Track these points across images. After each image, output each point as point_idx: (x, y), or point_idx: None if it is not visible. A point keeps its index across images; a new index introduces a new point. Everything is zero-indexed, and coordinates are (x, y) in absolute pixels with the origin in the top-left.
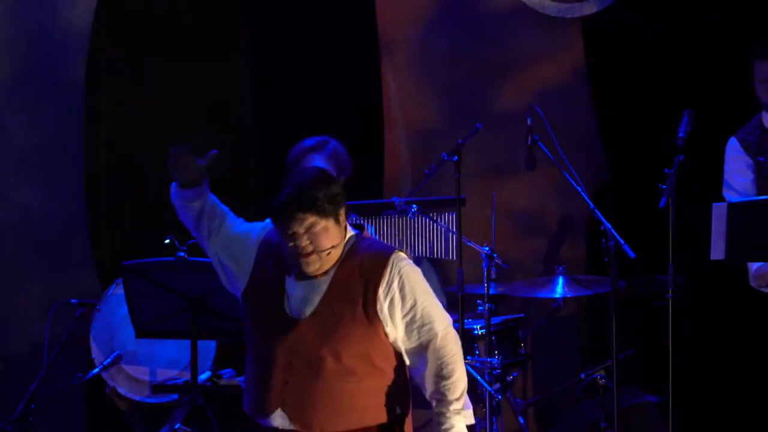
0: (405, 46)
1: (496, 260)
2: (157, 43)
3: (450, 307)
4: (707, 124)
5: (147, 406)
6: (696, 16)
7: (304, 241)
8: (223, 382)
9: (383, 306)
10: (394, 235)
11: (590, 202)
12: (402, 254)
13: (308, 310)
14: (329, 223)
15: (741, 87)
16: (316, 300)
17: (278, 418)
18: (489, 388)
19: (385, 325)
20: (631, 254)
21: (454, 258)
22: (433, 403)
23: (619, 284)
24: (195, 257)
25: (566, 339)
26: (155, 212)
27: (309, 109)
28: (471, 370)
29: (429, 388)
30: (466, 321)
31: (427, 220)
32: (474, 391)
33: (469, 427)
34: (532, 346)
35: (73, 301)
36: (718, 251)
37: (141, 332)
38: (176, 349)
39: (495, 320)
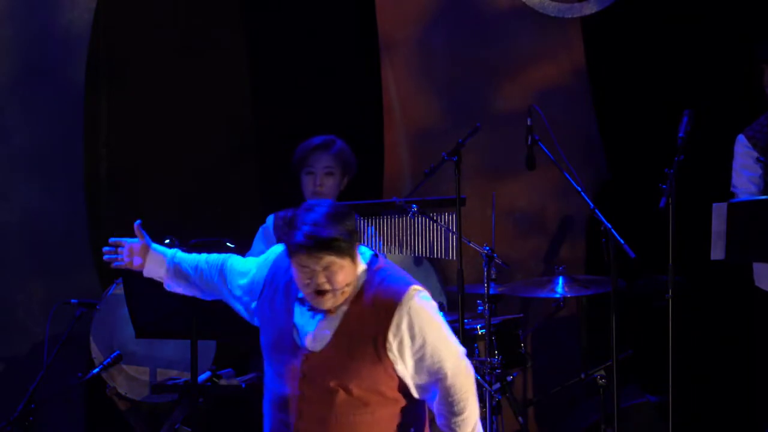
0: (405, 46)
1: (496, 260)
2: (157, 43)
3: (450, 307)
4: (707, 124)
5: (147, 406)
6: (696, 16)
7: (321, 279)
8: (223, 382)
9: (392, 346)
10: (394, 235)
11: (590, 202)
12: (414, 290)
13: (319, 345)
14: (346, 261)
15: (741, 87)
16: (328, 335)
17: None
18: (489, 388)
19: (395, 363)
20: (631, 254)
21: (454, 258)
22: None
23: (619, 284)
24: None
25: (566, 339)
26: (155, 212)
27: (309, 109)
28: None
29: (440, 421)
30: (466, 321)
31: (427, 219)
32: None
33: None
34: (532, 346)
35: (73, 301)
36: (718, 251)
37: (141, 332)
38: (176, 349)
39: (495, 320)
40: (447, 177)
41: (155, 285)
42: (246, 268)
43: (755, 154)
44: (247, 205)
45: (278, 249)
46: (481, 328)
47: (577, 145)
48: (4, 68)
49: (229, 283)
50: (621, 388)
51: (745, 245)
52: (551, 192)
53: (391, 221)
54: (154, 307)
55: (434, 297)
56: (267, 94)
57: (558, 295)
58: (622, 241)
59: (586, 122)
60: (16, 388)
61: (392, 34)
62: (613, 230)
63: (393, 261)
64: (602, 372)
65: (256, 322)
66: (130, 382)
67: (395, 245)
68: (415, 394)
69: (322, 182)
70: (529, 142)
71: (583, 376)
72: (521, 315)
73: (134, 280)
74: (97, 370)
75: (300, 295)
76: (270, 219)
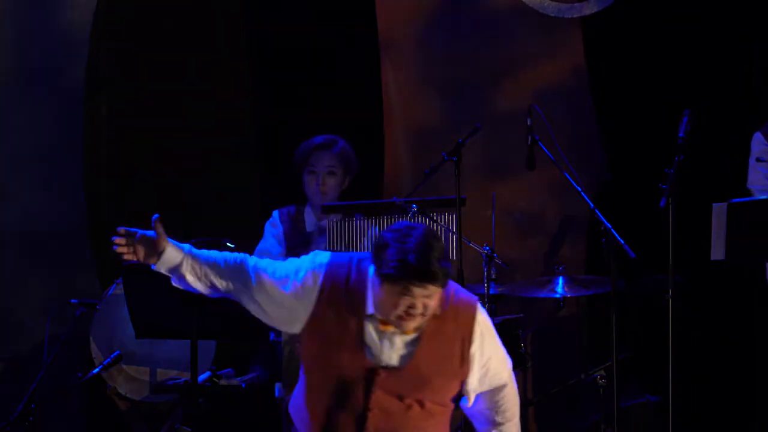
0: (405, 46)
1: (496, 260)
2: (157, 43)
3: None
4: (707, 124)
5: (147, 406)
6: (696, 16)
7: (419, 306)
8: (223, 382)
9: (474, 358)
10: None
11: (590, 202)
12: (478, 302)
13: (400, 361)
14: (442, 288)
15: (741, 87)
16: (411, 352)
17: None
18: None
19: (469, 375)
20: (631, 254)
21: (454, 258)
22: None
23: (619, 284)
24: None
25: (566, 339)
26: (155, 212)
27: (309, 109)
28: None
29: (485, 427)
30: None
31: (427, 219)
32: None
33: (469, 426)
34: (532, 346)
35: (73, 301)
36: (718, 251)
37: (141, 332)
38: (176, 349)
39: (495, 320)
40: (447, 177)
41: (155, 285)
42: (281, 275)
43: None
44: (247, 205)
45: (323, 258)
46: None
47: (577, 145)
48: (4, 68)
49: (255, 290)
50: (621, 388)
51: (745, 245)
52: (551, 192)
53: (391, 221)
54: (154, 307)
55: None
56: (267, 94)
57: (558, 295)
58: (622, 241)
59: (586, 122)
60: (16, 388)
61: (392, 34)
62: (613, 230)
63: None
64: (602, 372)
65: (285, 328)
66: (130, 382)
67: None
68: (470, 402)
69: (323, 182)
70: (529, 142)
71: (583, 376)
72: (521, 315)
73: (134, 280)
74: (97, 370)
75: (370, 312)
76: (275, 214)
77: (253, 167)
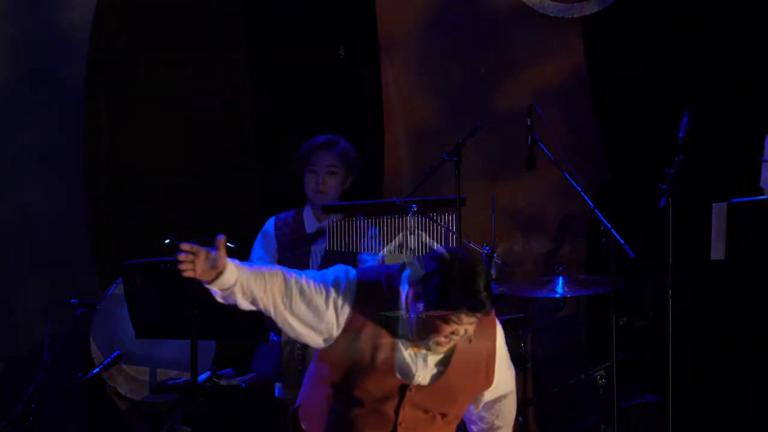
0: (405, 46)
1: (496, 260)
2: (158, 42)
3: None
4: (707, 124)
5: (147, 406)
6: (696, 16)
7: (461, 332)
8: (223, 382)
9: (496, 373)
10: (394, 235)
11: (590, 202)
12: (495, 313)
13: (431, 379)
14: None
15: (741, 87)
16: (437, 372)
17: None
18: None
19: (490, 386)
20: (631, 254)
21: None
22: None
23: (619, 284)
24: None
25: (566, 339)
26: (155, 212)
27: (309, 109)
28: None
29: (476, 429)
30: None
31: (427, 219)
32: None
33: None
34: (532, 346)
35: (73, 301)
36: (718, 251)
37: (141, 332)
38: (176, 349)
39: None
40: (447, 177)
41: (155, 285)
42: (318, 289)
43: None
44: (247, 205)
45: (352, 275)
46: None
47: (577, 145)
48: (4, 68)
49: (295, 305)
50: (621, 388)
51: (745, 245)
52: (551, 192)
53: (391, 221)
54: (154, 307)
55: None
56: (267, 94)
57: (558, 295)
58: (622, 241)
59: (586, 122)
60: (16, 388)
61: (392, 34)
62: (613, 230)
63: (393, 261)
64: (602, 372)
65: (315, 342)
66: (130, 382)
67: (395, 245)
68: (476, 408)
69: (324, 181)
70: (529, 142)
71: (583, 376)
72: (521, 315)
73: (134, 280)
74: (97, 370)
75: (404, 333)
76: (270, 223)
77: (253, 167)
